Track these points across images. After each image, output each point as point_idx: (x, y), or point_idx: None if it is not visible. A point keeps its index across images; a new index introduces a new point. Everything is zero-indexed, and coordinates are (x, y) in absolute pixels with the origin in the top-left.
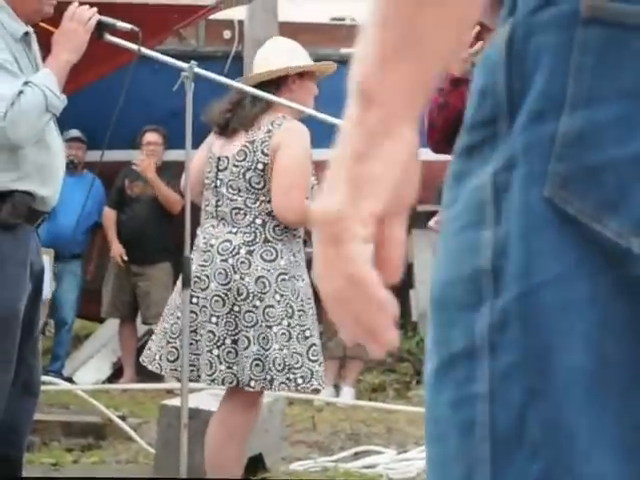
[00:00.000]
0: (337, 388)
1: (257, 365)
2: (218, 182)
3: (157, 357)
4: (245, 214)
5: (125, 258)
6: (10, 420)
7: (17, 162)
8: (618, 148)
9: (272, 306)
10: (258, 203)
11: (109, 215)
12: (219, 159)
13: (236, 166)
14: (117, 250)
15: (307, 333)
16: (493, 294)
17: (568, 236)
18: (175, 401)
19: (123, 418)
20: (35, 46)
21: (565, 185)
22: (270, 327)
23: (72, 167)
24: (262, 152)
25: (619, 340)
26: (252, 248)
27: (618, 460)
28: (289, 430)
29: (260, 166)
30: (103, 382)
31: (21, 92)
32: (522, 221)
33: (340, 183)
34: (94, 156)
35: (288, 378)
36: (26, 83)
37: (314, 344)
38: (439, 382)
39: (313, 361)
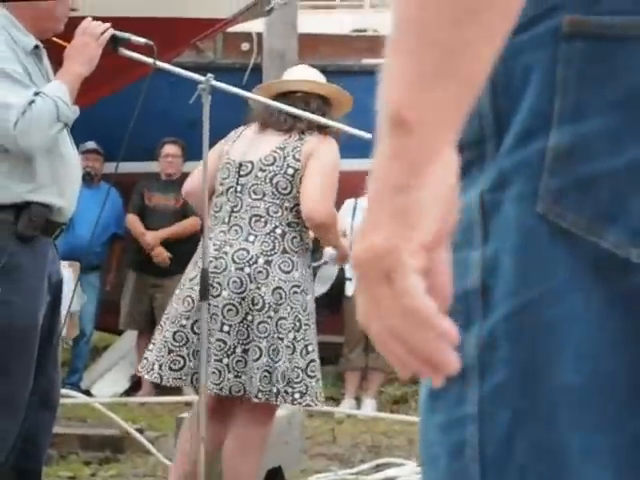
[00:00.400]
0: (358, 400)
1: (265, 377)
2: (239, 187)
3: (156, 367)
4: (266, 222)
5: (170, 255)
6: (29, 432)
7: (33, 173)
8: (609, 159)
9: (285, 318)
10: (281, 212)
11: (133, 219)
12: (240, 165)
13: (263, 170)
14: (159, 252)
15: (309, 348)
16: (482, 314)
17: (561, 252)
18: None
19: (141, 431)
20: (46, 60)
21: (558, 200)
22: (282, 339)
23: (89, 179)
24: (293, 157)
25: (615, 354)
26: (270, 258)
27: (612, 477)
28: (309, 442)
29: (290, 171)
30: (121, 395)
31: (32, 102)
32: (514, 239)
33: (384, 218)
34: (112, 168)
35: (286, 391)
36: (37, 93)
37: (313, 360)
38: (431, 405)
39: (310, 377)
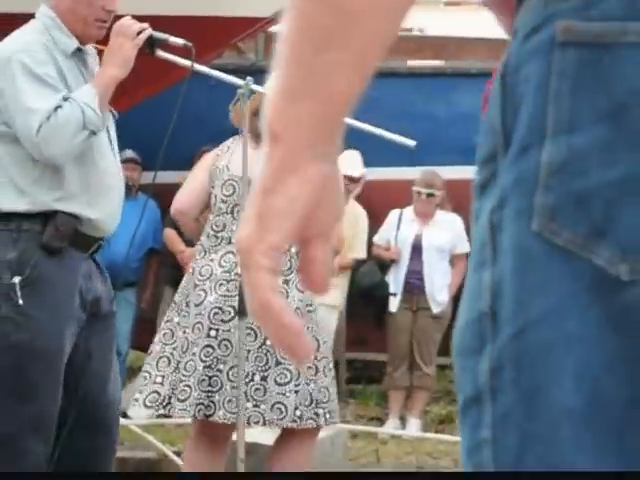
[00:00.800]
0: (403, 420)
1: (296, 400)
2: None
3: (172, 400)
4: None
5: None
6: (84, 456)
7: (61, 181)
8: (602, 173)
9: None
10: None
11: (172, 234)
12: (249, 182)
13: None
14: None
15: (331, 365)
16: (492, 337)
17: (557, 271)
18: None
19: (178, 454)
20: (92, 63)
21: (553, 217)
22: None
23: (126, 190)
24: None
25: (615, 372)
26: (288, 277)
27: None
28: (352, 464)
29: None
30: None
31: (59, 107)
32: (513, 260)
33: (252, 215)
34: (150, 177)
35: (316, 413)
36: (66, 99)
37: (334, 376)
38: (461, 429)
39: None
